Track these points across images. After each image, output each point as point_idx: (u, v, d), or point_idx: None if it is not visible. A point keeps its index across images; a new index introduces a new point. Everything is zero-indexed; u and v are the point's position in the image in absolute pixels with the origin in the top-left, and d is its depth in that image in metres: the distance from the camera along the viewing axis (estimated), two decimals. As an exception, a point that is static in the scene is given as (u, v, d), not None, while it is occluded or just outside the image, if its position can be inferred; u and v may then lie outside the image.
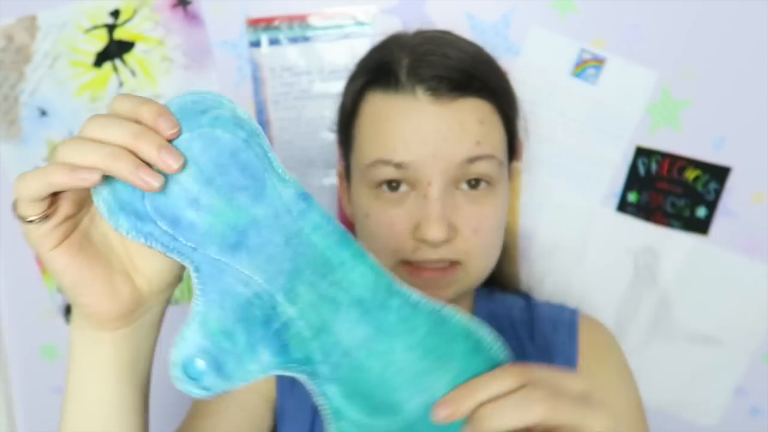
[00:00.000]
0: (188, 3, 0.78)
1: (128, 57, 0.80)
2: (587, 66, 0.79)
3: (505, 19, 0.78)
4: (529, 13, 0.78)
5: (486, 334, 0.41)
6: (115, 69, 0.81)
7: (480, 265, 0.61)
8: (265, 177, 0.39)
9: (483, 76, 0.61)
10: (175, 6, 0.79)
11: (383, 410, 0.39)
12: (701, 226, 0.82)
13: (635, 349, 0.87)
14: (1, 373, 0.90)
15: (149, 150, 0.36)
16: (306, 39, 0.79)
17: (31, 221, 0.39)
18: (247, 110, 0.83)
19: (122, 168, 0.35)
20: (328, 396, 0.40)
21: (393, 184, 0.59)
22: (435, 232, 0.56)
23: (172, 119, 0.38)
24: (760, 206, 0.81)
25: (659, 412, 0.89)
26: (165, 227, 0.38)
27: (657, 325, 0.86)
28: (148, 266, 0.42)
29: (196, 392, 0.41)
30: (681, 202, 0.82)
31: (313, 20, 0.79)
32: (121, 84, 0.81)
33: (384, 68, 0.60)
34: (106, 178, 0.37)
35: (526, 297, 0.74)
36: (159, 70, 0.80)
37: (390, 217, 0.59)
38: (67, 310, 0.88)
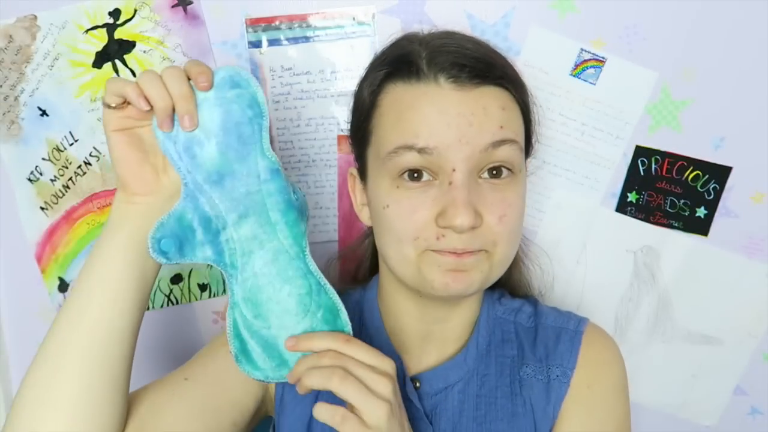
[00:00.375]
0: (189, 3, 0.78)
1: (128, 57, 0.80)
2: (587, 66, 0.79)
3: (505, 19, 0.78)
4: (529, 13, 0.78)
5: (344, 315, 0.59)
6: (115, 69, 0.81)
7: (504, 253, 0.60)
8: (251, 147, 0.56)
9: (501, 64, 0.61)
10: (175, 6, 0.79)
11: (260, 318, 0.58)
12: (701, 226, 0.82)
13: (635, 349, 0.87)
14: (1, 373, 0.89)
15: (186, 107, 0.54)
16: (306, 39, 0.79)
17: (109, 107, 0.54)
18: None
19: (169, 114, 0.54)
20: (233, 292, 0.58)
21: (415, 174, 0.58)
22: (462, 218, 0.55)
23: (208, 80, 0.54)
24: (759, 206, 0.81)
25: (659, 412, 0.89)
26: (180, 151, 0.55)
27: (657, 325, 0.86)
28: (170, 172, 0.58)
29: (161, 259, 0.55)
30: (681, 202, 0.82)
31: (313, 20, 0.79)
32: (121, 84, 0.81)
33: (403, 60, 0.60)
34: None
35: (535, 303, 0.73)
36: (159, 70, 0.80)
37: (413, 206, 0.58)
38: (67, 310, 0.89)
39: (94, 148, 0.83)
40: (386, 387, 0.53)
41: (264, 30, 0.79)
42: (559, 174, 0.82)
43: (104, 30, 0.80)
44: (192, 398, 0.63)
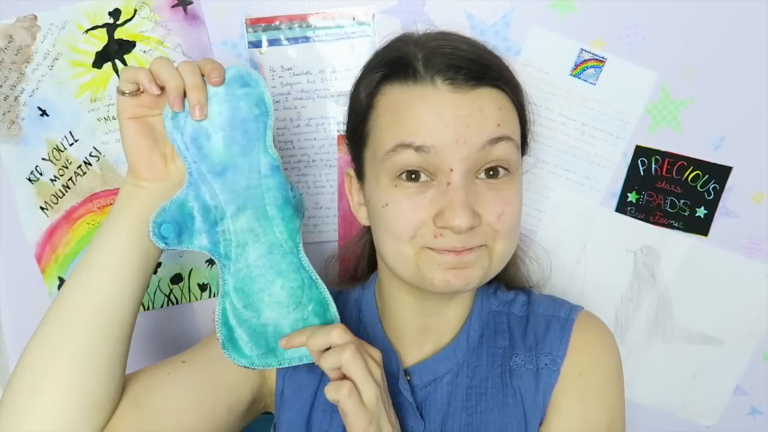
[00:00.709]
0: (189, 3, 0.78)
1: (128, 57, 0.80)
2: (587, 66, 0.79)
3: (505, 19, 0.78)
4: (529, 13, 0.78)
5: (333, 309, 0.62)
6: (115, 69, 0.81)
7: (503, 249, 0.61)
8: (255, 144, 0.60)
9: (497, 66, 0.62)
10: (175, 6, 0.79)
11: (251, 308, 0.61)
12: (701, 226, 0.82)
13: (635, 349, 0.87)
14: (1, 373, 0.89)
15: (198, 97, 0.57)
16: (306, 39, 0.79)
17: (123, 94, 0.57)
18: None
19: (180, 94, 0.57)
20: (225, 281, 0.61)
21: (413, 175, 0.59)
22: (460, 218, 0.56)
23: (220, 76, 0.58)
24: (759, 206, 0.81)
25: (659, 412, 0.89)
26: (186, 141, 0.58)
27: (657, 325, 0.86)
28: (178, 161, 0.61)
29: (160, 243, 0.58)
30: (681, 202, 0.82)
31: (313, 20, 0.79)
32: (121, 84, 0.81)
33: (399, 62, 0.61)
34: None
35: (529, 293, 0.74)
36: (159, 70, 0.80)
37: (411, 205, 0.59)
38: (67, 310, 0.89)
39: (94, 148, 0.83)
40: (377, 372, 0.57)
41: (264, 30, 0.79)
42: (559, 174, 0.82)
43: (104, 30, 0.80)
44: (188, 380, 0.64)
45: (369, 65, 0.66)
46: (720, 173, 0.80)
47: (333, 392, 0.55)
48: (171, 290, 0.88)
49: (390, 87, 0.61)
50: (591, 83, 0.79)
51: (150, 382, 0.63)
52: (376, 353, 0.59)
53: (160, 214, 0.58)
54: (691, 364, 0.86)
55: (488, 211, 0.59)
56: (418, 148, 0.57)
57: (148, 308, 0.88)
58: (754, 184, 0.81)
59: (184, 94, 0.57)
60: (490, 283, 0.70)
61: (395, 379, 0.66)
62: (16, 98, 0.82)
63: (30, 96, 0.82)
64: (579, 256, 0.85)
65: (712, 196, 0.81)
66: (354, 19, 0.79)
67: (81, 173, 0.84)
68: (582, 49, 0.78)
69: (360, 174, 0.66)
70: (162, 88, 0.57)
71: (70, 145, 0.83)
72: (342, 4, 0.78)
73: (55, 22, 0.79)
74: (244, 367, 0.61)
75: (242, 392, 0.67)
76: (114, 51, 0.80)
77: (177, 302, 0.88)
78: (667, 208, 0.82)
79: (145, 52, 0.80)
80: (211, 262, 0.87)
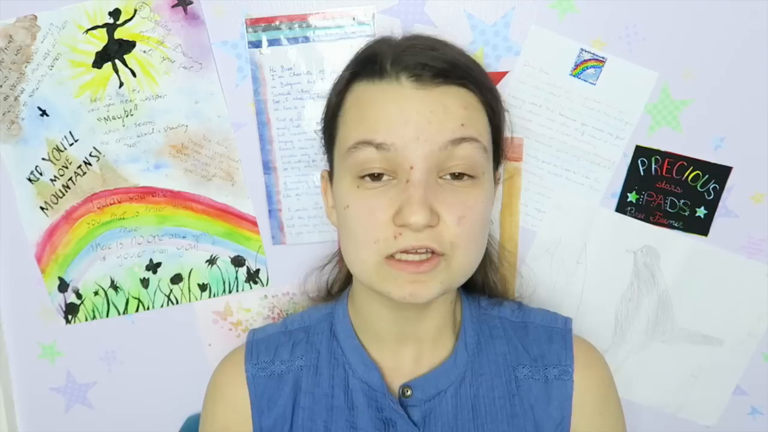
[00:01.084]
0: (189, 3, 0.78)
1: (128, 57, 0.80)
2: (587, 66, 0.79)
3: (505, 19, 0.78)
4: (529, 13, 0.78)
5: None
6: (115, 69, 0.81)
7: (464, 258, 0.59)
8: None
9: (466, 66, 0.61)
10: (175, 6, 0.79)
11: None
12: (701, 226, 0.82)
13: (635, 349, 0.87)
14: (1, 373, 0.89)
15: None
16: (306, 39, 0.79)
17: None
18: (247, 110, 0.84)
19: None
20: None
21: (375, 175, 0.58)
22: (416, 216, 0.54)
23: None
24: (760, 206, 0.81)
25: (659, 412, 0.89)
26: None
27: (657, 325, 0.86)
28: None
29: None
30: (681, 202, 0.82)
31: (313, 20, 0.79)
32: (121, 84, 0.81)
33: (369, 60, 0.61)
34: None
35: (518, 303, 0.74)
36: (159, 70, 0.80)
37: (371, 205, 0.57)
38: (67, 310, 0.89)
39: (94, 148, 0.83)
40: None
41: (264, 30, 0.79)
42: (559, 174, 0.82)
43: (104, 30, 0.80)
44: None
45: (345, 66, 0.66)
46: (720, 173, 0.80)
47: None
48: (171, 290, 0.88)
49: (358, 85, 0.61)
50: (591, 83, 0.79)
51: None
52: None
53: None
54: (691, 364, 0.86)
55: (449, 212, 0.57)
56: (378, 146, 0.57)
57: (148, 308, 0.88)
58: (754, 184, 0.81)
59: None
60: (472, 294, 0.71)
61: (380, 393, 0.65)
62: (16, 98, 0.82)
63: (30, 96, 0.82)
64: (579, 256, 0.85)
65: (712, 196, 0.81)
66: (354, 19, 0.79)
67: (81, 173, 0.84)
68: (582, 49, 0.78)
69: (331, 175, 0.66)
70: None
71: (70, 145, 0.83)
72: (342, 4, 0.78)
73: (55, 22, 0.79)
74: None
75: None
76: (114, 51, 0.80)
77: (177, 302, 0.88)
78: (667, 208, 0.82)
79: (145, 52, 0.80)
80: (211, 262, 0.87)
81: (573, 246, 0.84)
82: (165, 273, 0.88)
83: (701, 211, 0.82)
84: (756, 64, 0.77)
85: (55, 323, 0.89)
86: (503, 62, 0.79)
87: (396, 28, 0.78)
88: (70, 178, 0.85)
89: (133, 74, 0.81)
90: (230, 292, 0.88)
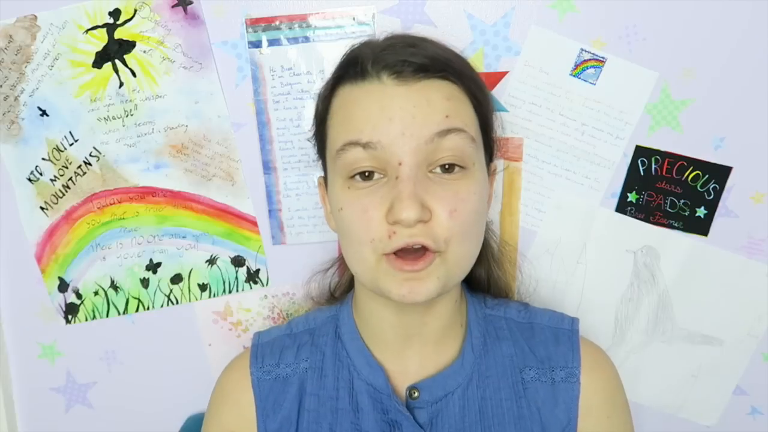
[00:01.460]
0: (189, 3, 0.78)
1: (128, 57, 0.80)
2: (587, 66, 0.79)
3: (505, 19, 0.78)
4: (529, 13, 0.78)
5: None
6: (115, 69, 0.81)
7: (459, 252, 0.58)
8: None
9: (446, 58, 0.61)
10: (175, 6, 0.79)
11: None
12: (701, 226, 0.82)
13: (635, 349, 0.87)
14: (1, 373, 0.89)
15: None
16: (306, 39, 0.79)
17: None
18: (247, 110, 0.84)
19: None
20: None
21: (366, 174, 0.58)
22: (408, 211, 0.54)
23: None
24: (760, 206, 0.81)
25: (659, 412, 0.89)
26: None
27: (657, 325, 0.86)
28: None
29: None
30: (681, 202, 0.82)
31: (313, 20, 0.79)
32: (121, 84, 0.81)
33: (351, 63, 0.61)
34: None
35: (524, 304, 0.73)
36: (159, 70, 0.80)
37: (363, 205, 0.57)
38: (67, 310, 0.89)
39: (94, 148, 0.83)
40: None
41: (264, 30, 0.79)
42: (559, 174, 0.82)
43: (104, 30, 0.80)
44: None
45: (331, 73, 0.66)
46: (720, 173, 0.80)
47: None
48: (171, 290, 0.88)
49: (342, 88, 0.62)
50: (591, 83, 0.79)
51: None
52: None
53: None
54: (691, 364, 0.86)
55: (440, 206, 0.56)
56: (365, 145, 0.57)
57: (148, 308, 0.88)
58: (754, 184, 0.81)
59: None
60: (476, 293, 0.71)
61: (385, 395, 0.65)
62: (16, 98, 0.82)
63: (30, 96, 0.82)
64: (579, 256, 0.85)
65: (712, 196, 0.81)
66: (354, 19, 0.79)
67: (81, 173, 0.84)
68: (582, 49, 0.78)
69: (326, 180, 0.66)
70: None
71: (70, 145, 0.83)
72: (342, 4, 0.78)
73: (55, 22, 0.79)
74: None
75: None
76: (114, 51, 0.80)
77: (177, 302, 0.88)
78: (667, 208, 0.82)
79: (145, 52, 0.80)
80: (211, 262, 0.87)
81: (573, 246, 0.84)
82: (165, 273, 0.88)
83: (701, 211, 0.82)
84: (756, 64, 0.77)
85: (55, 323, 0.89)
86: (503, 62, 0.79)
87: (396, 28, 0.78)
88: (70, 178, 0.85)
89: (133, 74, 0.81)
90: (230, 292, 0.88)
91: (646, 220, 0.83)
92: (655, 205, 0.82)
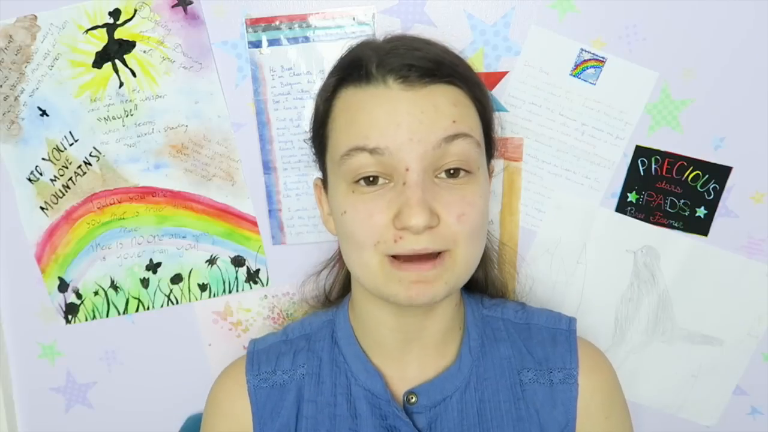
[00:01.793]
0: (189, 3, 0.78)
1: (128, 57, 0.80)
2: (587, 66, 0.79)
3: (505, 19, 0.78)
4: (529, 13, 0.78)
5: None
6: (115, 69, 0.81)
7: (466, 254, 0.58)
8: None
9: (452, 63, 0.60)
10: (175, 6, 0.79)
11: None
12: (701, 226, 0.82)
13: (635, 349, 0.87)
14: (1, 373, 0.89)
15: None
16: (306, 39, 0.79)
17: None
18: (247, 110, 0.84)
19: None
20: None
21: (370, 179, 0.58)
22: (416, 218, 0.54)
23: None
24: (760, 206, 0.81)
25: (659, 412, 0.89)
26: None
27: (657, 325, 0.86)
28: None
29: None
30: (681, 202, 0.82)
31: (313, 20, 0.79)
32: (121, 84, 0.81)
33: (354, 65, 0.61)
34: None
35: (522, 304, 0.73)
36: (159, 70, 0.80)
37: (369, 210, 0.57)
38: (67, 310, 0.89)
39: (94, 148, 0.83)
40: None
41: (264, 30, 0.79)
42: (559, 174, 0.82)
43: (104, 30, 0.80)
44: None
45: (330, 71, 0.65)
46: (720, 173, 0.80)
47: None
48: (171, 290, 0.88)
49: (345, 91, 0.61)
50: (591, 83, 0.79)
51: None
52: None
53: None
54: (691, 364, 0.86)
55: (448, 212, 0.57)
56: (372, 151, 0.56)
57: (148, 308, 0.88)
58: (754, 184, 0.81)
59: None
60: (473, 294, 0.71)
61: (383, 401, 0.65)
62: (16, 98, 0.82)
63: (30, 96, 0.82)
64: (579, 256, 0.85)
65: (712, 196, 0.81)
66: (354, 19, 0.79)
67: (81, 173, 0.84)
68: (582, 49, 0.78)
69: (325, 182, 0.66)
70: None
71: (70, 145, 0.83)
72: (342, 4, 0.78)
73: (55, 22, 0.79)
74: None
75: None
76: (114, 51, 0.80)
77: (177, 302, 0.88)
78: (667, 208, 0.82)
79: (145, 52, 0.80)
80: (211, 262, 0.87)
81: (573, 246, 0.84)
82: (165, 273, 0.88)
83: (701, 211, 0.82)
84: (756, 64, 0.77)
85: (55, 323, 0.89)
86: (503, 62, 0.79)
87: (396, 28, 0.78)
88: (70, 178, 0.85)
89: (133, 74, 0.81)
90: (230, 292, 0.88)
91: (646, 220, 0.83)
92: (655, 205, 0.82)
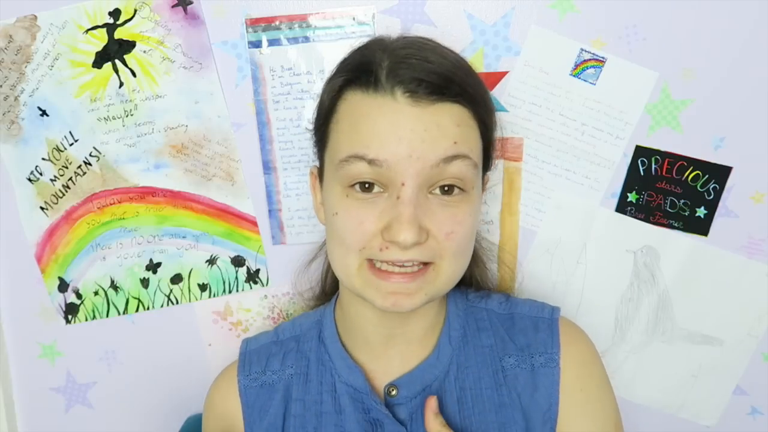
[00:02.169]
0: (189, 3, 0.78)
1: (128, 57, 0.80)
2: (587, 66, 0.79)
3: (505, 19, 0.78)
4: (529, 13, 0.78)
5: None
6: (115, 69, 0.81)
7: (450, 269, 0.60)
8: None
9: (462, 81, 0.60)
10: (175, 6, 0.79)
11: None
12: (701, 226, 0.82)
13: (635, 349, 0.87)
14: (1, 373, 0.89)
15: None
16: (306, 39, 0.79)
17: None
18: (247, 110, 0.84)
19: None
20: None
21: (366, 185, 0.58)
22: (405, 234, 0.55)
23: None
24: (760, 206, 0.81)
25: (659, 412, 0.89)
26: None
27: (657, 325, 0.86)
28: None
29: None
30: (681, 202, 0.82)
31: (313, 20, 0.79)
32: (121, 84, 0.81)
33: (364, 68, 0.60)
34: None
35: (506, 296, 0.74)
36: (159, 70, 0.80)
37: (359, 216, 0.58)
38: (67, 310, 0.89)
39: (94, 148, 0.83)
40: None
41: (264, 30, 0.79)
42: (559, 174, 0.82)
43: (104, 30, 0.80)
44: None
45: (338, 66, 0.65)
46: (720, 173, 0.80)
47: None
48: (171, 290, 0.88)
49: (352, 93, 0.60)
50: (591, 83, 0.79)
51: None
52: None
53: None
54: (691, 364, 0.86)
55: (437, 228, 0.58)
56: (371, 161, 0.57)
57: (148, 308, 0.88)
58: (754, 184, 0.81)
59: None
60: (458, 287, 0.71)
61: (365, 395, 0.66)
62: (16, 98, 0.82)
63: (30, 96, 0.82)
64: (579, 256, 0.85)
65: (712, 196, 0.81)
66: (354, 19, 0.79)
67: (81, 173, 0.84)
68: (582, 49, 0.78)
69: (321, 174, 0.66)
70: None
71: (70, 145, 0.83)
72: (342, 4, 0.78)
73: (55, 22, 0.79)
74: None
75: None
76: (114, 51, 0.80)
77: (177, 302, 0.88)
78: (667, 208, 0.82)
79: (145, 52, 0.80)
80: (211, 262, 0.87)
81: (573, 246, 0.84)
82: (165, 273, 0.88)
83: (701, 211, 0.82)
84: (756, 64, 0.77)
85: (55, 323, 0.89)
86: (503, 62, 0.79)
87: (396, 28, 0.78)
88: (70, 178, 0.85)
89: (133, 74, 0.81)
90: (230, 292, 0.88)
91: (646, 220, 0.83)
92: (655, 205, 0.82)
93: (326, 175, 0.63)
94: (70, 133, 0.83)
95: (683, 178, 0.81)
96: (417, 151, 0.56)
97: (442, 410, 0.65)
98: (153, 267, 0.87)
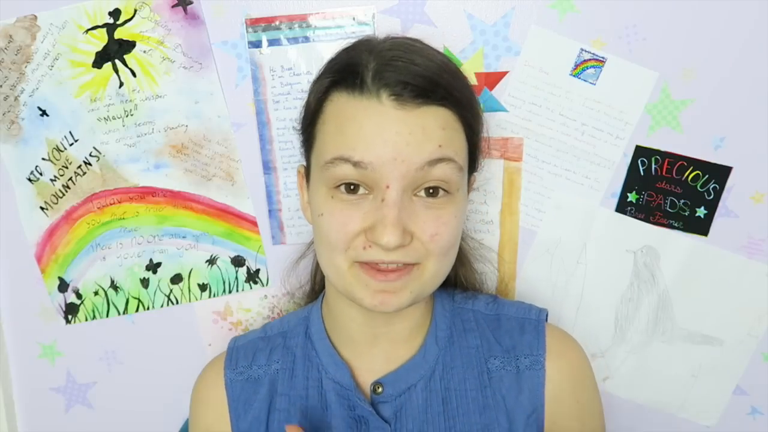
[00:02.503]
0: (189, 3, 0.78)
1: (128, 57, 0.80)
2: (587, 66, 0.79)
3: (505, 19, 0.78)
4: (529, 13, 0.78)
5: None
6: (115, 69, 0.81)
7: (434, 269, 0.60)
8: None
9: (448, 84, 0.60)
10: (175, 6, 0.79)
11: None
12: (701, 226, 0.82)
13: (635, 349, 0.87)
14: (1, 373, 0.89)
15: None
16: (306, 39, 0.79)
17: None
18: (247, 110, 0.84)
19: None
20: None
21: (351, 186, 0.58)
22: (389, 236, 0.55)
23: None
24: (760, 206, 0.81)
25: (659, 412, 0.89)
26: None
27: (657, 325, 0.86)
28: None
29: None
30: (681, 202, 0.82)
31: (313, 20, 0.79)
32: (121, 84, 0.81)
33: (350, 70, 0.60)
34: None
35: (494, 297, 0.74)
36: (159, 70, 0.81)
37: (344, 218, 0.58)
38: (67, 310, 0.89)
39: (94, 148, 0.83)
40: None
41: (264, 30, 0.79)
42: (559, 174, 0.82)
43: (104, 30, 0.80)
44: None
45: (325, 66, 0.65)
46: (720, 173, 0.80)
47: None
48: (171, 290, 0.88)
49: (338, 95, 0.60)
50: (591, 83, 0.79)
51: None
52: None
53: None
54: (691, 364, 0.86)
55: (422, 230, 0.58)
56: (356, 164, 0.57)
57: (148, 308, 0.88)
58: (754, 184, 0.80)
59: None
60: (445, 289, 0.71)
61: (350, 392, 0.66)
62: (16, 98, 0.82)
63: (30, 96, 0.82)
64: (579, 256, 0.85)
65: (712, 196, 0.81)
66: (354, 19, 0.79)
67: (81, 173, 0.84)
68: (582, 49, 0.78)
69: (308, 174, 0.66)
70: None
71: (70, 145, 0.83)
72: (342, 4, 0.78)
73: (55, 22, 0.79)
74: None
75: None
76: (114, 51, 0.80)
77: (177, 302, 0.88)
78: (667, 208, 0.82)
79: (145, 52, 0.80)
80: (211, 262, 0.87)
81: (573, 246, 0.84)
82: (165, 273, 0.88)
83: (701, 211, 0.82)
84: (756, 64, 0.77)
85: (55, 323, 0.89)
86: (503, 62, 0.79)
87: (396, 28, 0.78)
88: (70, 178, 0.85)
89: (133, 74, 0.81)
90: (230, 292, 0.88)
91: (646, 220, 0.83)
92: (655, 205, 0.82)
93: (312, 176, 0.64)
94: (70, 133, 0.83)
95: (683, 178, 0.81)
96: (402, 154, 0.56)
97: (428, 410, 0.66)
98: (153, 267, 0.87)
